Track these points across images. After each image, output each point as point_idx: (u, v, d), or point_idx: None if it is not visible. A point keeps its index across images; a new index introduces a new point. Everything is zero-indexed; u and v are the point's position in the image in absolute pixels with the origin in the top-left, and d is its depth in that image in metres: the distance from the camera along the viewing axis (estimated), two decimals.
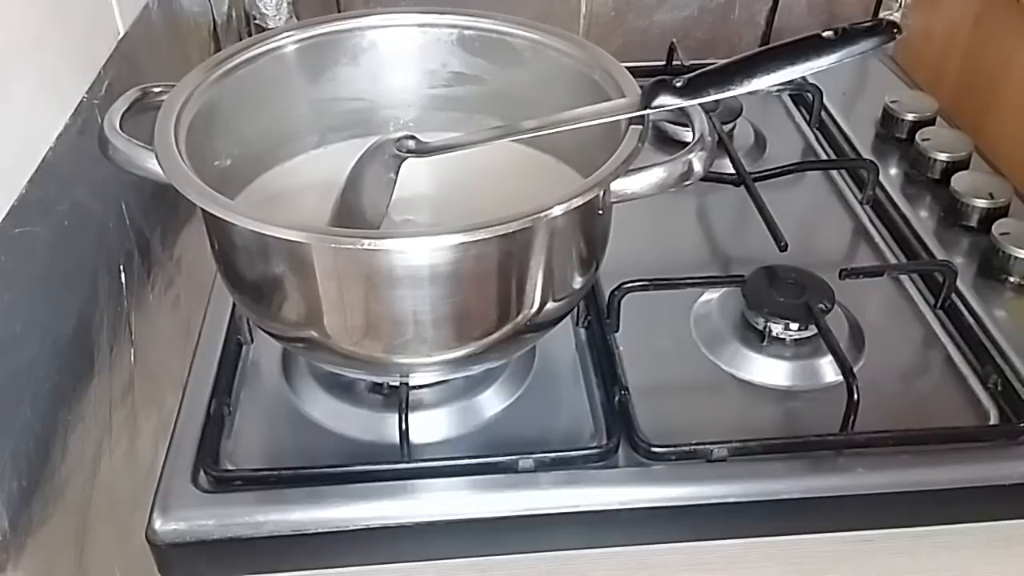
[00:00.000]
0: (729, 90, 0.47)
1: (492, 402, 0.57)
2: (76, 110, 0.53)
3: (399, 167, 0.55)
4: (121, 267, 0.58)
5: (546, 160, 0.60)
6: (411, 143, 0.55)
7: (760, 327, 0.60)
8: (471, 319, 0.48)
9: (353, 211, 0.54)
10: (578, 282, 0.52)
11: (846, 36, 0.46)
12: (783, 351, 0.59)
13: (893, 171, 0.77)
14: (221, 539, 0.49)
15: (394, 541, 0.51)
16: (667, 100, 0.48)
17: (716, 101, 0.50)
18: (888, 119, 0.82)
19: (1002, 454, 0.54)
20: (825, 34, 0.46)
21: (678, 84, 0.48)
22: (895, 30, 0.46)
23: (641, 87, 0.51)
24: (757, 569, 0.53)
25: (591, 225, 0.50)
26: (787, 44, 0.47)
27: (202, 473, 0.52)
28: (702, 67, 0.49)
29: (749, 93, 0.48)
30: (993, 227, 0.67)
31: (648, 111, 0.49)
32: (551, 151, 0.60)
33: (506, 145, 0.55)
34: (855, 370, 0.54)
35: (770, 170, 0.74)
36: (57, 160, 0.50)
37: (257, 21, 0.87)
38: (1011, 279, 0.65)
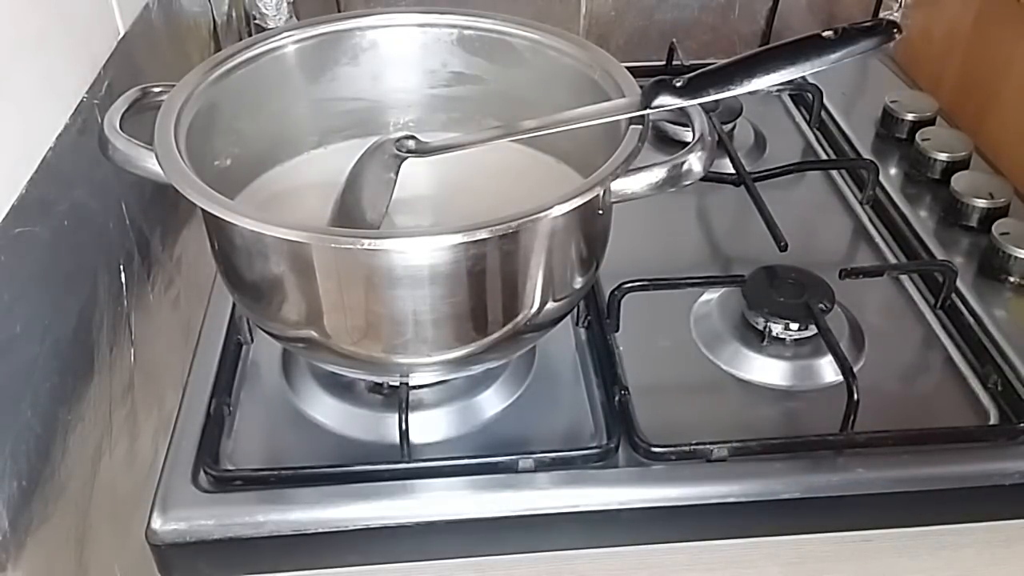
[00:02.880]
0: (729, 90, 0.47)
1: (492, 402, 0.57)
2: (76, 110, 0.53)
3: (399, 167, 0.55)
4: (121, 267, 0.58)
5: (546, 160, 0.60)
6: (411, 143, 0.55)
7: (760, 327, 0.60)
8: (471, 319, 0.48)
9: (353, 211, 0.54)
10: (578, 282, 0.52)
11: (846, 36, 0.46)
12: (783, 351, 0.59)
13: (893, 171, 0.77)
14: (221, 539, 0.50)
15: (394, 541, 0.51)
16: (667, 100, 0.48)
17: (716, 101, 0.50)
18: (888, 119, 0.82)
19: (1002, 454, 0.54)
20: (825, 34, 0.46)
21: (678, 84, 0.48)
22: (895, 30, 0.46)
23: (641, 87, 0.51)
24: (757, 569, 0.53)
25: (591, 225, 0.50)
26: (787, 44, 0.47)
27: (202, 473, 0.52)
28: (702, 67, 0.49)
29: (749, 93, 0.48)
30: (993, 227, 0.67)
31: (648, 111, 0.49)
32: (551, 151, 0.60)
33: (506, 145, 0.55)
34: (855, 370, 0.54)
35: (770, 170, 0.74)
36: (57, 160, 0.50)
37: (257, 21, 0.87)
38: (1011, 279, 0.65)
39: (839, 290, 0.60)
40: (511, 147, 0.57)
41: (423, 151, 0.55)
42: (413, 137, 0.56)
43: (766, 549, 0.53)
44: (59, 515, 0.48)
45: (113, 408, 0.55)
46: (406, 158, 0.55)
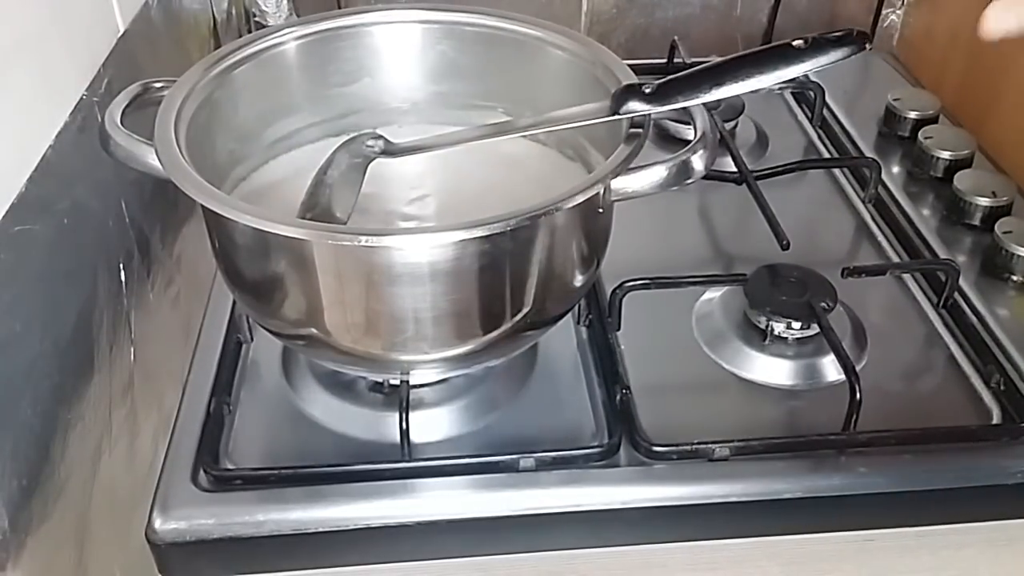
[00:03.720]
0: (697, 98, 0.48)
1: (493, 401, 0.56)
2: (76, 108, 0.53)
3: (367, 167, 0.54)
4: (121, 265, 0.58)
5: (555, 156, 0.59)
6: (380, 143, 0.55)
7: (762, 326, 0.59)
8: (471, 316, 0.48)
9: (321, 210, 0.53)
10: (579, 280, 0.52)
11: (815, 46, 0.46)
12: (785, 350, 0.59)
13: (895, 169, 0.77)
14: (221, 538, 0.49)
15: (394, 541, 0.51)
16: (636, 106, 0.48)
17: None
18: (890, 117, 0.82)
19: (1005, 453, 0.54)
20: (795, 43, 0.46)
21: (647, 90, 0.48)
22: (865, 40, 0.45)
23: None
24: (759, 568, 0.52)
25: (592, 223, 0.50)
26: (756, 52, 0.47)
27: (202, 472, 0.52)
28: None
29: (716, 100, 0.48)
30: (996, 226, 0.67)
31: (616, 117, 0.49)
32: (556, 146, 0.59)
33: (515, 140, 0.55)
34: (857, 369, 0.54)
35: (772, 168, 0.74)
36: (57, 158, 0.50)
37: (257, 19, 0.87)
38: (1014, 278, 0.65)
39: (841, 289, 0.60)
40: (520, 142, 0.57)
41: (392, 152, 0.55)
42: (382, 137, 0.55)
43: (768, 548, 0.53)
44: (59, 515, 0.48)
45: (113, 407, 0.55)
46: (374, 158, 0.55)
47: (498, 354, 0.53)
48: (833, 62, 0.46)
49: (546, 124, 0.52)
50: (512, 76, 0.60)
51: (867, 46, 0.45)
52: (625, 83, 0.50)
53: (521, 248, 0.47)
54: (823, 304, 0.59)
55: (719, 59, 0.48)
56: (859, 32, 0.46)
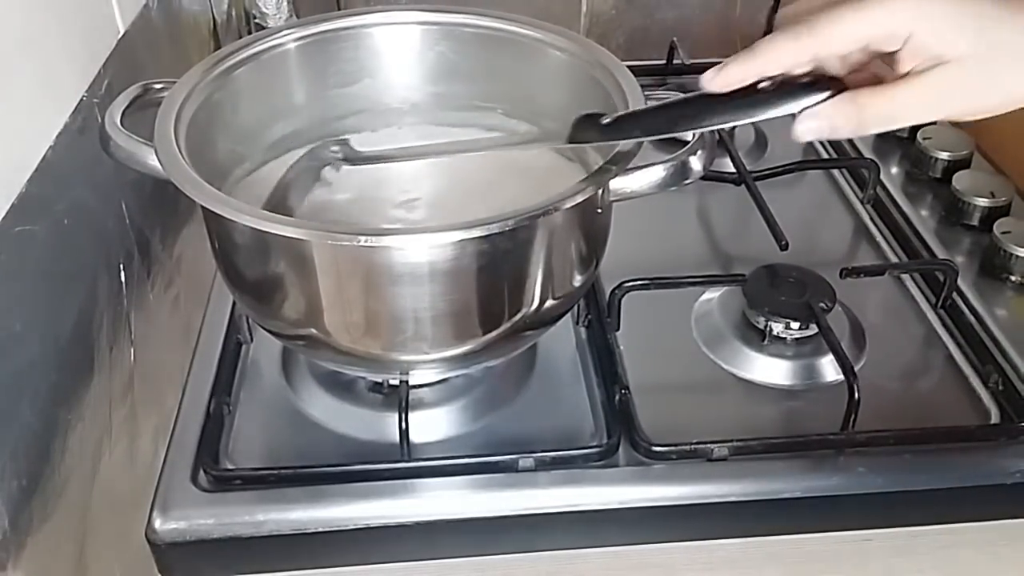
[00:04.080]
0: (652, 135, 0.47)
1: (492, 401, 0.56)
2: (76, 109, 0.53)
3: (320, 172, 0.55)
4: (121, 266, 0.58)
5: (557, 157, 0.59)
6: (345, 149, 0.56)
7: (761, 326, 0.60)
8: (470, 316, 0.48)
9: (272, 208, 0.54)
10: (578, 280, 0.52)
11: (782, 91, 0.43)
12: (784, 350, 0.59)
13: (894, 170, 0.77)
14: (221, 538, 0.49)
15: (394, 541, 0.51)
16: (591, 136, 0.48)
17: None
18: None
19: (1003, 453, 0.54)
20: (761, 86, 0.43)
21: (604, 121, 0.47)
22: (841, 88, 0.42)
23: (642, 85, 0.51)
24: (758, 568, 0.52)
25: (590, 223, 0.50)
26: (720, 95, 0.43)
27: (202, 472, 0.52)
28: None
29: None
30: (994, 226, 0.67)
31: (573, 145, 0.49)
32: (559, 149, 0.59)
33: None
34: (856, 369, 0.54)
35: (771, 169, 0.74)
36: (57, 159, 0.50)
37: (257, 20, 0.87)
38: (1012, 278, 0.65)
39: (840, 289, 0.60)
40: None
41: (353, 159, 0.56)
42: (346, 144, 0.56)
43: (767, 548, 0.53)
44: (59, 514, 0.48)
45: (113, 408, 0.55)
46: (330, 163, 0.56)
47: (497, 354, 0.53)
48: (803, 109, 0.43)
49: (508, 145, 0.53)
50: (511, 77, 0.60)
51: (842, 92, 0.41)
52: (584, 112, 0.49)
53: (520, 248, 0.47)
54: (822, 304, 0.59)
55: (682, 96, 0.45)
56: (831, 78, 0.42)
